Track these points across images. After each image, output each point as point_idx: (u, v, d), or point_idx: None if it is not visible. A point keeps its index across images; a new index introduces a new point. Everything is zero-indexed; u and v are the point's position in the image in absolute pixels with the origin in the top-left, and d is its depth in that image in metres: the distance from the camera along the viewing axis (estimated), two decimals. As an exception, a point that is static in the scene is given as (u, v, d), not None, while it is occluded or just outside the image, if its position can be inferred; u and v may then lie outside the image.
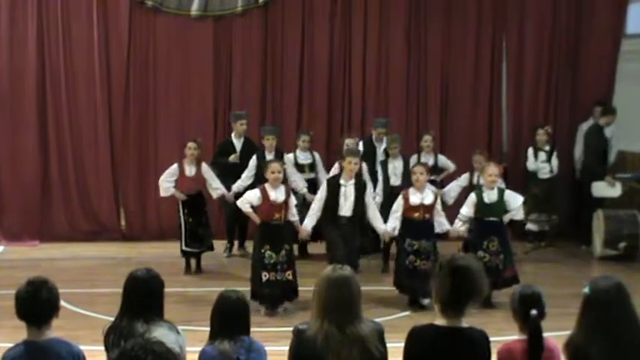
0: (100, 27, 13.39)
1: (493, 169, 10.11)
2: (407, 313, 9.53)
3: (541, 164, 13.18)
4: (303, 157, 12.32)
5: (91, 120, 13.41)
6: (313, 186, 11.76)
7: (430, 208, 9.93)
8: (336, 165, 11.71)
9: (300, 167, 12.19)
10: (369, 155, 12.13)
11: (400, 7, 13.90)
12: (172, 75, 13.66)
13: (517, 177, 13.42)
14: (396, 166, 11.84)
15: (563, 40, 14.17)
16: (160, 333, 4.77)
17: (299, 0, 13.80)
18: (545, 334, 4.64)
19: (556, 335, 4.80)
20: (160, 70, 13.65)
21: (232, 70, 13.82)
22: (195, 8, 13.56)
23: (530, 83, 14.26)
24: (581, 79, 14.20)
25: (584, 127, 13.57)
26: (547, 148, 13.22)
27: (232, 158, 12.12)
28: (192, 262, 11.51)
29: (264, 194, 9.55)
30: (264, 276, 9.42)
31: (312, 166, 12.38)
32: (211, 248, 11.52)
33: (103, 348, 5.31)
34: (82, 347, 4.99)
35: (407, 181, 10.86)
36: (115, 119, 13.62)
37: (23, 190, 13.17)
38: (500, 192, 10.16)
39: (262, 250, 9.49)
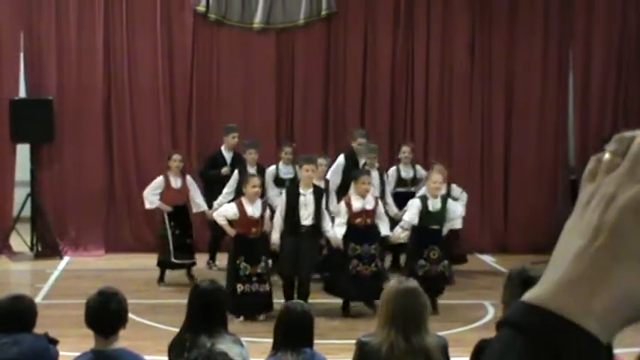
0: (164, 41, 13.58)
1: (437, 177, 10.02)
2: (471, 325, 9.49)
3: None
4: (285, 172, 11.75)
5: (154, 133, 13.61)
6: None
7: (372, 213, 9.96)
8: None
9: (280, 182, 11.63)
10: (351, 168, 11.61)
11: (464, 18, 13.86)
12: (235, 88, 13.79)
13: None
14: (373, 177, 11.50)
15: (633, 51, 13.99)
16: (224, 346, 4.82)
17: (361, 12, 13.83)
18: (616, 351, 4.60)
19: (627, 352, 4.76)
20: (222, 83, 13.79)
21: (294, 82, 13.91)
22: (257, 21, 13.67)
23: (598, 95, 14.08)
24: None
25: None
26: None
27: (224, 171, 11.88)
28: (167, 272, 11.55)
29: (241, 209, 9.69)
30: (239, 287, 9.56)
31: (294, 181, 11.37)
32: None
33: (165, 358, 5.40)
34: (146, 357, 5.07)
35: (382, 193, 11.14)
36: (177, 132, 13.81)
37: (89, 201, 13.35)
38: (444, 200, 10.10)
39: (237, 262, 9.64)
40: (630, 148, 0.88)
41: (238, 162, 11.97)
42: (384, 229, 10.09)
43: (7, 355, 4.69)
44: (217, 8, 13.57)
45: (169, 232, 11.34)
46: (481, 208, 13.56)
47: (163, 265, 11.50)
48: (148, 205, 11.46)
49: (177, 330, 8.02)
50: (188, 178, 11.56)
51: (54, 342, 4.98)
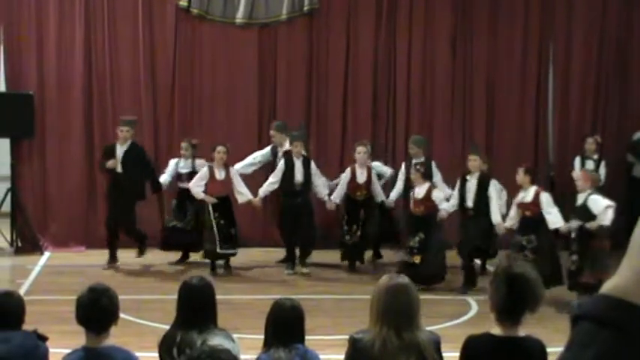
0: (145, 35, 13.54)
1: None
2: (456, 321, 9.55)
3: (589, 172, 13.07)
4: (219, 174, 11.84)
5: (136, 128, 13.55)
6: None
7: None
8: (348, 170, 12.15)
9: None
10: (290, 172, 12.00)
11: (445, 14, 13.91)
12: (217, 82, 13.77)
13: (564, 186, 13.33)
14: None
15: (612, 48, 14.10)
16: (216, 342, 4.82)
17: (344, 7, 13.86)
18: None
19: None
20: (205, 78, 13.77)
21: (277, 77, 13.91)
22: (240, 16, 13.66)
23: (578, 92, 14.19)
24: (630, 88, 14.11)
25: (637, 136, 13.48)
26: (595, 157, 13.14)
27: (110, 164, 11.86)
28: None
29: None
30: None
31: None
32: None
33: (149, 354, 5.40)
34: (129, 354, 5.06)
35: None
36: (160, 127, 13.78)
37: (70, 197, 13.31)
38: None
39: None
40: None
41: (134, 154, 12.01)
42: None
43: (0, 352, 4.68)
44: (199, 3, 13.55)
45: (214, 223, 11.50)
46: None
47: (211, 255, 11.67)
48: (196, 196, 11.72)
49: (160, 326, 8.06)
50: (231, 169, 11.75)
51: (43, 339, 4.97)
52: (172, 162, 12.30)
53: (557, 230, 10.44)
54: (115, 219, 11.99)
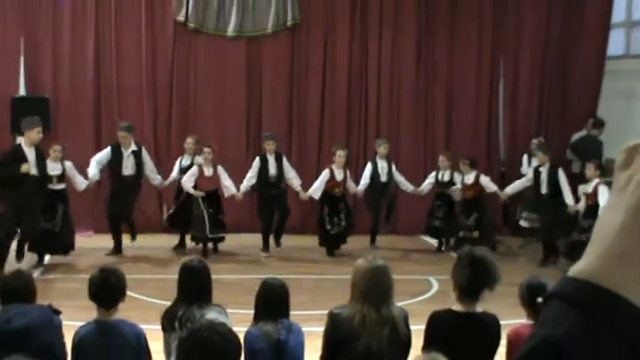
0: (147, 47, 13.46)
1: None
2: (419, 298, 9.54)
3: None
4: (207, 172, 11.85)
5: (138, 129, 13.37)
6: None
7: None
8: (326, 170, 12.13)
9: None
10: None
11: (411, 31, 13.90)
12: (210, 89, 13.68)
13: (513, 180, 13.38)
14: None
15: (554, 61, 14.15)
16: (212, 315, 4.81)
17: (322, 22, 13.81)
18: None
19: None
20: (199, 85, 13.68)
21: (262, 84, 13.84)
22: (231, 29, 13.59)
23: (524, 98, 14.23)
24: (570, 95, 14.16)
25: (576, 137, 13.54)
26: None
27: (24, 169, 10.29)
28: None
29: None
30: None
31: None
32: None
33: (151, 326, 5.35)
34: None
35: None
36: (158, 128, 13.70)
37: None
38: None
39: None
40: None
41: (41, 159, 10.66)
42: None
43: (17, 325, 4.62)
44: (195, 18, 13.46)
45: (205, 212, 11.56)
46: (424, 197, 13.59)
47: (198, 239, 11.79)
48: (187, 191, 11.76)
49: (159, 302, 8.01)
50: (219, 167, 11.78)
51: (57, 312, 4.92)
52: (194, 168, 11.99)
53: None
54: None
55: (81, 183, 11.62)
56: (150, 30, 13.47)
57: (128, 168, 11.75)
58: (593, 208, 10.76)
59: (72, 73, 13.30)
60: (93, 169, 11.72)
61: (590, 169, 11.14)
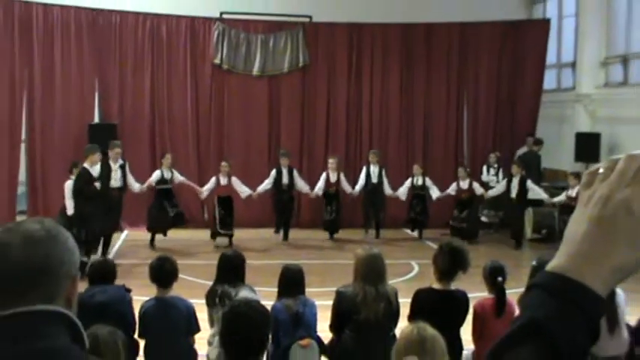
0: (191, 85, 13.40)
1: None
2: (403, 278, 9.47)
3: (491, 177, 13.12)
4: (223, 181, 11.68)
5: (184, 152, 13.31)
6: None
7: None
8: (324, 173, 12.22)
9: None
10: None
11: (396, 69, 13.87)
12: (239, 119, 13.59)
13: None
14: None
15: (504, 92, 14.14)
16: (244, 293, 4.79)
17: (326, 65, 13.75)
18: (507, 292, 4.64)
19: (513, 292, 4.79)
20: (231, 116, 13.62)
21: (280, 113, 13.77)
22: (256, 69, 13.56)
23: (483, 121, 14.21)
24: (516, 119, 14.15)
25: (520, 152, 13.52)
26: (496, 165, 13.18)
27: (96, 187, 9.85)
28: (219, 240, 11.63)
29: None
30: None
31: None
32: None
33: (196, 301, 5.33)
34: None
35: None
36: (201, 150, 13.60)
37: (139, 195, 12.75)
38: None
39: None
40: (617, 164, 0.89)
41: (104, 176, 10.27)
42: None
43: (100, 299, 4.66)
44: (228, 60, 13.45)
45: (217, 213, 11.53)
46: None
47: (214, 234, 11.69)
48: (203, 196, 11.81)
49: (200, 281, 7.97)
50: (233, 178, 11.67)
51: (128, 290, 4.92)
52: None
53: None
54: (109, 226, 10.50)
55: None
56: (193, 71, 13.43)
57: (117, 180, 10.80)
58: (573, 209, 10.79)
59: (133, 106, 13.24)
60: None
61: (571, 179, 11.06)
